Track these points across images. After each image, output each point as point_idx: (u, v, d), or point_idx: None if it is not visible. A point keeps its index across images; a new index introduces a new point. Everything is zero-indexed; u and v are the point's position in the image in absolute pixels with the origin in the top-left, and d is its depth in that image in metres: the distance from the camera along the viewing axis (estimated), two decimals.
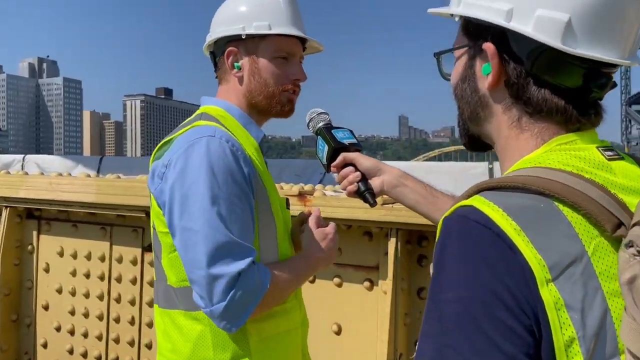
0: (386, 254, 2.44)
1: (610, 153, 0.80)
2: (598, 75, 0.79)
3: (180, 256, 1.34)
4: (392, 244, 2.35)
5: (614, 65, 0.79)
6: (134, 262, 3.10)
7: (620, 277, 0.65)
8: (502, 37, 0.81)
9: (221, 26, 1.54)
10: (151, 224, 1.50)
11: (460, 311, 0.68)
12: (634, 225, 0.67)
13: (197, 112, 1.54)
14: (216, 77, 1.62)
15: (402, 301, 2.40)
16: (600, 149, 0.80)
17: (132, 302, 3.10)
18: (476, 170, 6.05)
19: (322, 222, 1.55)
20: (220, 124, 1.43)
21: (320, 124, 1.48)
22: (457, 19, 0.88)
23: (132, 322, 3.10)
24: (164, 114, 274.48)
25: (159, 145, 1.44)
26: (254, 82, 1.51)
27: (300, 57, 1.57)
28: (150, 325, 3.07)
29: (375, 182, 1.41)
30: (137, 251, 3.10)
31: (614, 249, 0.69)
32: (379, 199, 2.39)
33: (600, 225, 0.69)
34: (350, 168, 1.41)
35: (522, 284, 0.66)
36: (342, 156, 1.42)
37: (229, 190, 1.31)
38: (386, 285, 2.40)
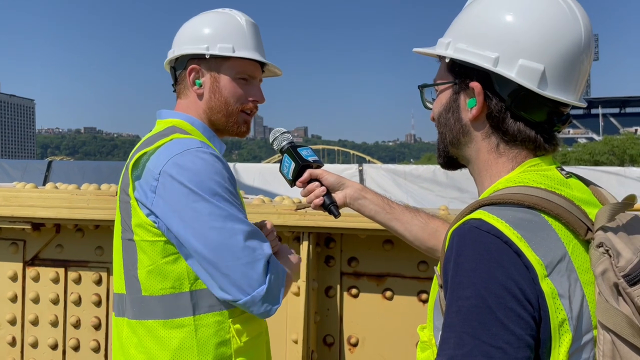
0: None
1: (564, 172, 1.00)
2: (559, 113, 1.00)
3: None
4: (304, 247, 2.47)
5: (568, 106, 1.00)
6: (14, 278, 2.85)
7: (594, 270, 0.85)
8: (487, 78, 0.99)
9: (185, 44, 1.58)
10: (118, 235, 1.48)
11: (478, 304, 0.83)
12: (598, 230, 0.87)
13: (164, 124, 1.54)
14: (174, 91, 1.65)
15: (312, 300, 2.54)
16: (558, 168, 1.00)
17: (13, 322, 2.84)
18: (349, 172, 6.49)
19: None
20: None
21: (284, 143, 1.58)
22: (447, 60, 1.03)
23: (12, 344, 2.84)
24: None
25: (134, 158, 1.42)
26: (215, 99, 1.58)
27: (259, 79, 1.66)
28: (34, 345, 2.84)
29: (338, 196, 1.53)
30: (18, 266, 2.85)
31: (585, 248, 0.90)
32: (291, 204, 2.50)
33: (575, 231, 0.90)
34: (316, 183, 1.53)
35: (528, 280, 0.84)
36: (308, 172, 1.53)
37: (231, 193, 1.41)
38: (297, 286, 2.51)
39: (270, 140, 1.59)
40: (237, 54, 1.57)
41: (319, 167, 1.56)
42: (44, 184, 3.02)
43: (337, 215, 1.51)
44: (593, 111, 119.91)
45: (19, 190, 2.72)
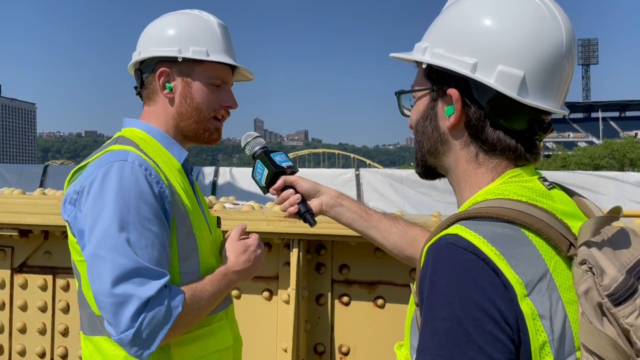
0: (286, 263, 2.52)
1: (546, 183, 0.96)
2: (540, 121, 0.96)
3: (89, 284, 1.31)
4: (294, 254, 2.43)
5: (549, 113, 0.96)
6: (2, 286, 2.81)
7: (577, 289, 0.80)
8: (465, 85, 0.94)
9: (153, 45, 1.50)
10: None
11: (453, 326, 0.79)
12: (581, 245, 0.83)
13: (116, 134, 1.50)
14: (137, 94, 1.58)
15: (303, 308, 2.49)
16: (540, 180, 0.96)
17: (0, 330, 2.80)
18: (345, 176, 6.44)
19: (244, 235, 1.57)
20: (137, 148, 1.40)
21: (257, 148, 1.50)
22: (424, 65, 0.99)
23: (0, 351, 2.80)
24: None
25: (73, 170, 1.41)
26: (186, 105, 1.49)
27: (231, 84, 1.58)
28: (22, 353, 2.80)
29: (314, 203, 1.48)
30: (6, 273, 2.81)
31: (567, 265, 0.85)
32: (281, 211, 2.46)
33: (557, 247, 0.85)
34: (291, 190, 1.46)
35: (506, 301, 0.79)
36: (282, 179, 1.46)
37: (141, 215, 1.29)
38: (287, 294, 2.47)
39: (242, 145, 1.52)
40: (212, 57, 1.48)
41: (293, 173, 1.50)
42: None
43: (312, 223, 1.46)
44: (593, 115, 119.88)
45: (6, 196, 2.68)
